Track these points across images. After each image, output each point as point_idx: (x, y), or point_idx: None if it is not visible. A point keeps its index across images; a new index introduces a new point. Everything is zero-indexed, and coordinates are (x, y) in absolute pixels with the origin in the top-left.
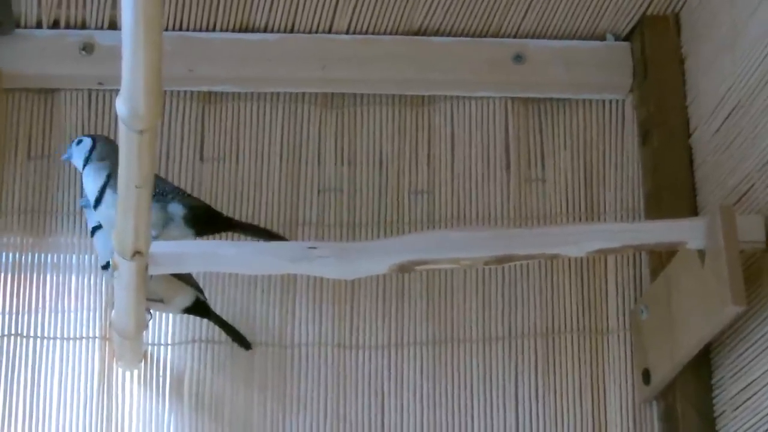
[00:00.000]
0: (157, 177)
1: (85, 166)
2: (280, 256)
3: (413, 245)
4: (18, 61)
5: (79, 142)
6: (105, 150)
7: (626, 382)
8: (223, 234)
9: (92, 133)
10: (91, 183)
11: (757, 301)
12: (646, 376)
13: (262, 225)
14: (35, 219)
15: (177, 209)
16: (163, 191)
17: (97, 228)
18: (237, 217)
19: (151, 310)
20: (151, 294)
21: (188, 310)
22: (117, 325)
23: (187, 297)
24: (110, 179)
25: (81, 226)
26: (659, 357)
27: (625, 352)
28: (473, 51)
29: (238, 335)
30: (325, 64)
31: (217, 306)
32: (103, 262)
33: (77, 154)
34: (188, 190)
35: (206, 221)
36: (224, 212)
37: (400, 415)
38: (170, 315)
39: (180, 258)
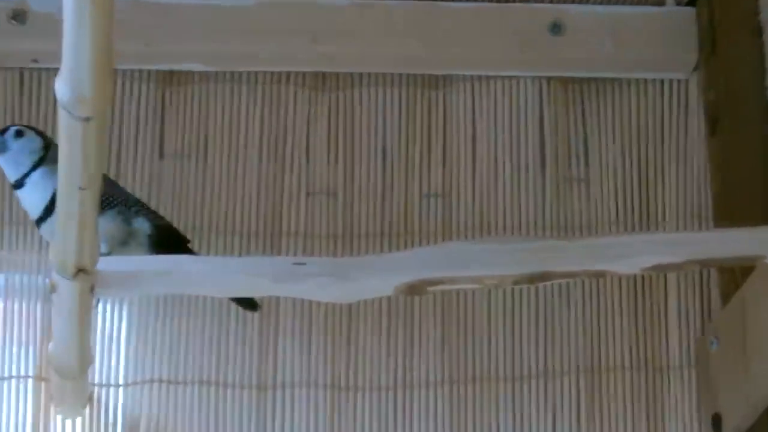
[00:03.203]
0: (108, 181)
1: (33, 170)
2: (259, 274)
3: (425, 261)
4: None
5: (19, 133)
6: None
7: (691, 431)
8: None
9: (25, 122)
10: (41, 191)
11: None
12: (717, 422)
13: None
14: None
15: (144, 226)
16: (124, 200)
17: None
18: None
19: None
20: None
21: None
22: (56, 362)
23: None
24: None
25: (8, 240)
26: (732, 399)
27: (690, 393)
28: (500, 20)
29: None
30: (315, 36)
31: (180, 336)
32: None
33: (23, 153)
34: (145, 193)
35: (171, 246)
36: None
37: None
38: (121, 351)
39: (135, 277)
